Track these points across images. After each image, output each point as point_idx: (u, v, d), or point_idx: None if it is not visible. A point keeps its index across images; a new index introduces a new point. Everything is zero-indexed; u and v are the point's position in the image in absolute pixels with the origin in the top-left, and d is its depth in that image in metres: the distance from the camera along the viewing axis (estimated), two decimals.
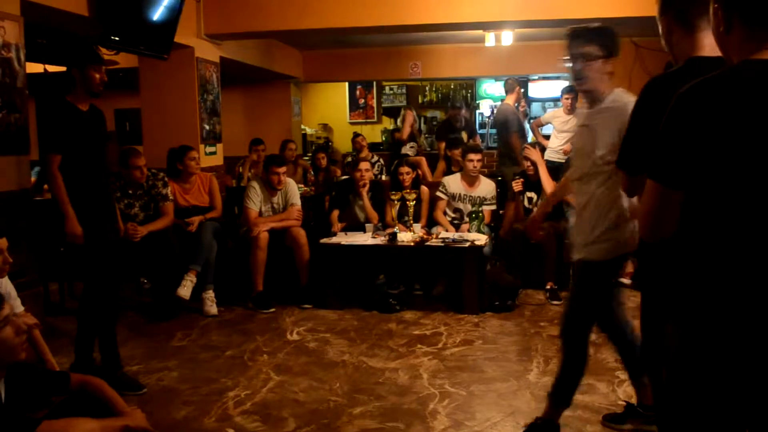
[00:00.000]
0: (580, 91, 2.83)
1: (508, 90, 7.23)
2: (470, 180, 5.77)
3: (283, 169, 5.48)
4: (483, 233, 5.37)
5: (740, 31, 1.42)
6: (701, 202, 1.39)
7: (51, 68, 7.83)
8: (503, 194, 6.00)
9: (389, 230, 5.41)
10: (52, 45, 6.21)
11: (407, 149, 8.06)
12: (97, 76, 3.59)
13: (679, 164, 1.38)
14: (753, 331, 1.35)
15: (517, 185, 5.70)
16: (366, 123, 11.50)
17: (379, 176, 7.66)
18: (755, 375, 1.36)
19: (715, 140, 1.33)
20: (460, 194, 5.78)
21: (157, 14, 5.20)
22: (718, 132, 1.33)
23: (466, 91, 11.27)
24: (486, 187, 5.80)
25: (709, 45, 1.85)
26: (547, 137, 7.74)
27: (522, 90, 7.83)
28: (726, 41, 1.47)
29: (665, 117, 1.41)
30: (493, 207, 5.79)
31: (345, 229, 5.60)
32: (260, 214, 5.45)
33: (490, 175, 6.24)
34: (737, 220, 1.35)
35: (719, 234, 1.38)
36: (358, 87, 11.59)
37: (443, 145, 7.43)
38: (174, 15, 5.39)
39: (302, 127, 10.49)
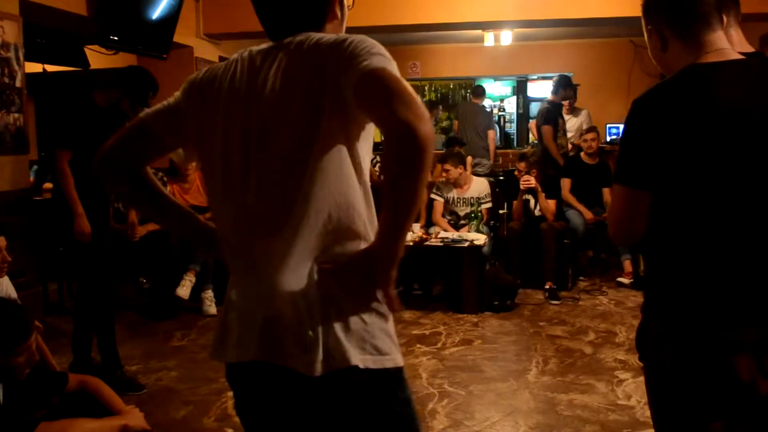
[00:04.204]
0: None
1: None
2: (458, 182, 5.73)
3: None
4: (482, 233, 5.36)
5: (676, 46, 1.50)
6: (667, 201, 1.43)
7: (50, 68, 7.81)
8: (508, 193, 6.00)
9: None
10: (51, 45, 6.20)
11: None
12: (128, 108, 3.49)
13: (642, 165, 1.43)
14: (720, 325, 1.39)
15: (528, 182, 5.57)
16: None
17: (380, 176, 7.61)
18: (728, 376, 1.38)
19: (671, 139, 1.39)
20: (453, 198, 5.77)
21: (156, 13, 5.20)
22: (671, 130, 1.39)
23: (465, 90, 11.26)
24: (477, 187, 5.75)
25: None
26: None
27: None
28: (665, 60, 1.54)
29: (625, 122, 1.47)
30: (489, 205, 5.76)
31: None
32: None
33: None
34: (700, 215, 1.40)
35: (684, 230, 1.43)
36: None
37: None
38: (173, 14, 5.39)
39: None
